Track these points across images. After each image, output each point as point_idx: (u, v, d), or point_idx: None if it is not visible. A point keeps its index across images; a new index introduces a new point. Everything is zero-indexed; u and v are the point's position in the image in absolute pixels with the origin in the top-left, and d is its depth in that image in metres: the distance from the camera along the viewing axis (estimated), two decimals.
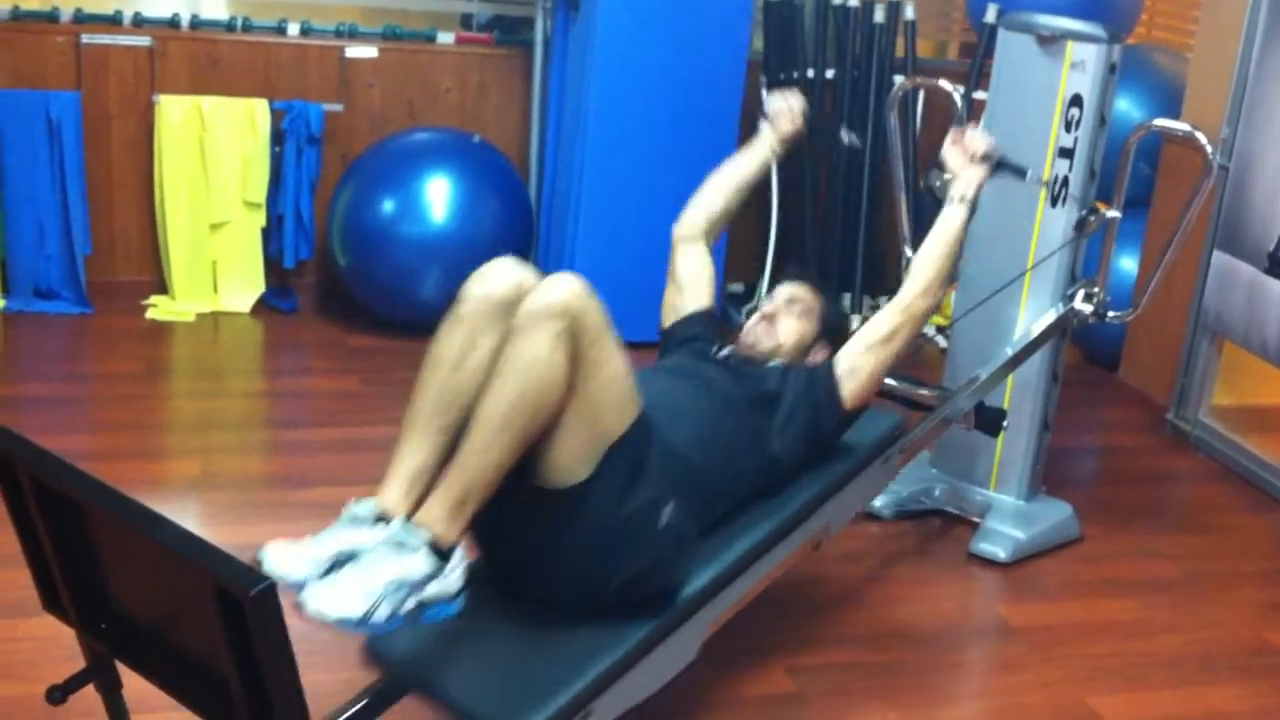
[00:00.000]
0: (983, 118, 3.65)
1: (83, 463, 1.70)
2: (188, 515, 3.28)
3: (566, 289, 2.03)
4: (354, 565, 1.89)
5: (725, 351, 2.75)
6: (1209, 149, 3.20)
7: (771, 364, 2.69)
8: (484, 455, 1.97)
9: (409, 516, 1.99)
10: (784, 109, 3.02)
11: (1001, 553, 3.38)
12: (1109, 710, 2.80)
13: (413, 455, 2.06)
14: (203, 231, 4.77)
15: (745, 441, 2.51)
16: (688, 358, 2.68)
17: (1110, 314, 3.38)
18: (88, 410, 3.96)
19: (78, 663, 1.94)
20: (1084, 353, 4.99)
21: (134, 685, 1.91)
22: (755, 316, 2.80)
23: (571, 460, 2.08)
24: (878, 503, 3.53)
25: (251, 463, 3.72)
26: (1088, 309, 3.33)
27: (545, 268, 4.97)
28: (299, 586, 1.85)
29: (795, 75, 5.02)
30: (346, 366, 4.40)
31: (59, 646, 2.46)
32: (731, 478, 2.47)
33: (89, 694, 1.94)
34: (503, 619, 2.25)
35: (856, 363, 2.63)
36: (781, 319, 2.75)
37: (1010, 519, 3.46)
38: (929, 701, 2.79)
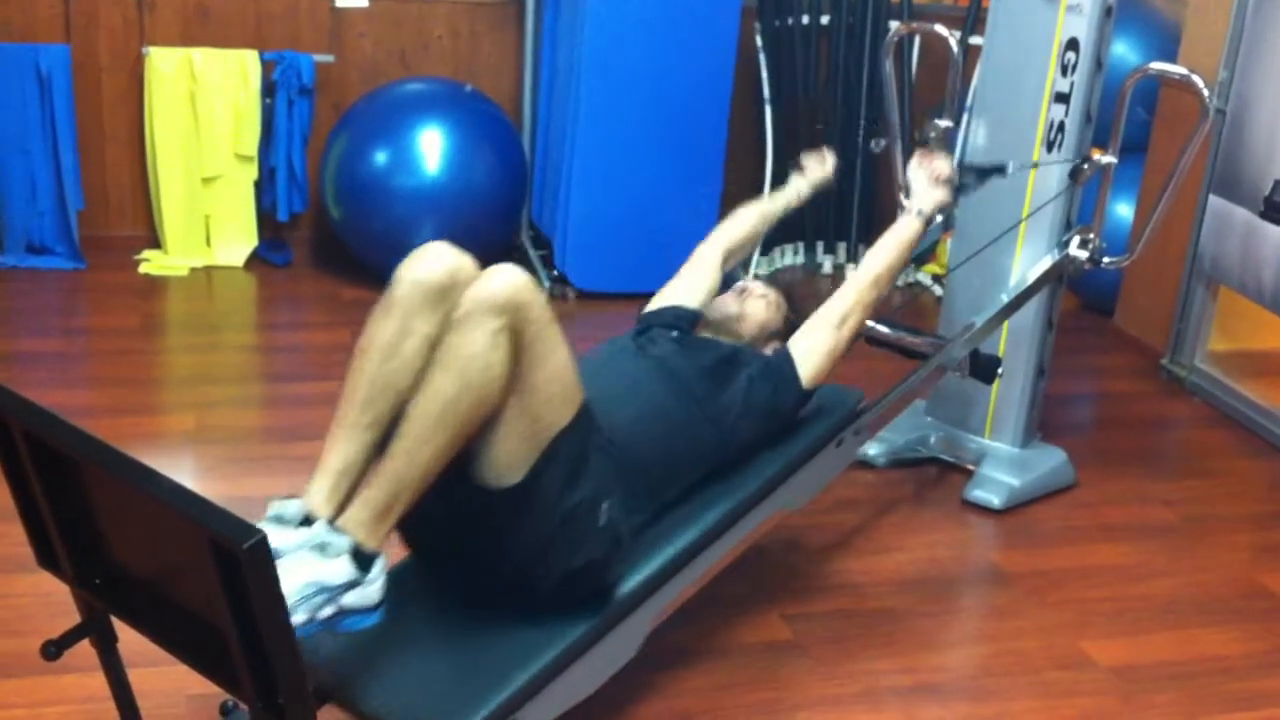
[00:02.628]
0: (979, 63, 3.63)
1: (78, 418, 1.69)
2: (183, 469, 3.29)
3: (509, 281, 1.91)
4: None
5: (682, 335, 2.70)
6: (1206, 93, 3.17)
7: (728, 342, 2.70)
8: (414, 457, 1.85)
9: (334, 517, 1.87)
10: (816, 163, 3.17)
11: (996, 500, 3.39)
12: (1103, 655, 2.81)
13: (340, 451, 1.92)
14: (195, 185, 4.75)
15: (696, 423, 2.44)
16: (648, 337, 2.64)
17: (1106, 260, 3.37)
18: (82, 365, 3.96)
19: (72, 618, 1.95)
20: (1080, 299, 4.99)
21: (129, 640, 1.92)
22: (730, 291, 2.83)
23: (509, 458, 1.97)
24: (872, 451, 3.54)
25: (246, 417, 3.71)
26: (1083, 255, 3.32)
27: (540, 217, 4.95)
28: None
29: (790, 21, 4.99)
30: (341, 319, 4.39)
31: (54, 602, 2.47)
32: (679, 462, 2.41)
33: (84, 649, 1.94)
34: (430, 621, 2.15)
35: (813, 341, 2.64)
36: (752, 299, 2.80)
37: (1005, 466, 3.46)
38: (924, 648, 2.81)
